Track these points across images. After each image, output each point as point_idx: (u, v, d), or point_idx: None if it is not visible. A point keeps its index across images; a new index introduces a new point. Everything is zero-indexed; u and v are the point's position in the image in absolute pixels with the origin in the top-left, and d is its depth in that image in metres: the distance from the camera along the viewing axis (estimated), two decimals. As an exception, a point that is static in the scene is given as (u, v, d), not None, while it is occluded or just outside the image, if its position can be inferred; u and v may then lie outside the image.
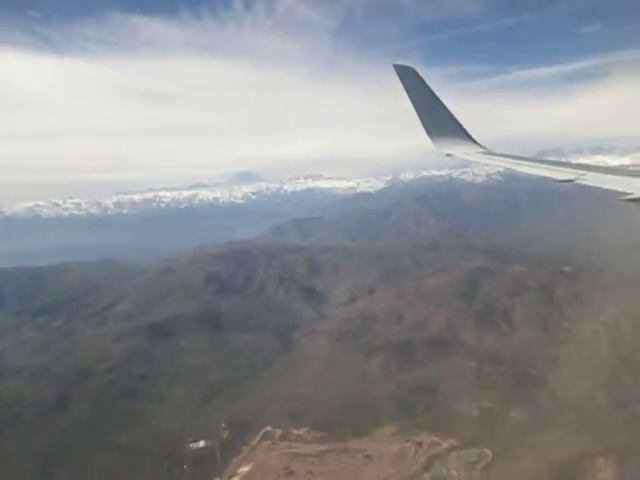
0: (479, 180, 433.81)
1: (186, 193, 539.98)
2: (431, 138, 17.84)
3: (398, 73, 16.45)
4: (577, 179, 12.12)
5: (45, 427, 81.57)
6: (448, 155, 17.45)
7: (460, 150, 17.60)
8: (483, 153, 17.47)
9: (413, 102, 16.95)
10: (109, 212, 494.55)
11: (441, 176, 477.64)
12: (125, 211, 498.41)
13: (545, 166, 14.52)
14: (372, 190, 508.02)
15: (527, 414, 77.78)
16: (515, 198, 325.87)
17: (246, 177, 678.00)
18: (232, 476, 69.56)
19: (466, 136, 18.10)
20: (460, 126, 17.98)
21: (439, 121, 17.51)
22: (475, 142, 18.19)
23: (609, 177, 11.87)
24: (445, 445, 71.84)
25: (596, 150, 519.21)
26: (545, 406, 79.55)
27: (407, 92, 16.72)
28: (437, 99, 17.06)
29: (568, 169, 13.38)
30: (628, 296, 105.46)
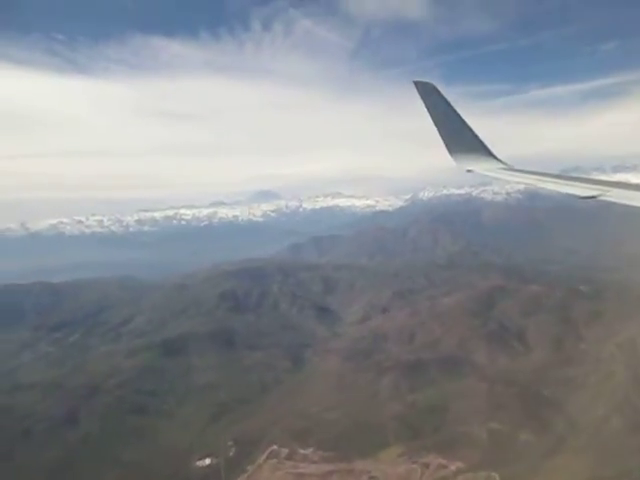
0: (499, 198, 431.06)
1: (206, 211, 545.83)
2: (452, 154, 17.78)
3: (418, 89, 16.54)
4: (600, 195, 11.88)
5: (54, 442, 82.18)
6: (469, 171, 17.33)
7: (481, 166, 17.49)
8: (504, 169, 17.31)
9: (433, 118, 17.00)
10: (130, 229, 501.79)
11: (460, 195, 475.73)
12: (146, 228, 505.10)
13: (567, 182, 14.29)
14: (391, 208, 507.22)
15: (538, 437, 75.81)
16: (536, 216, 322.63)
17: (266, 195, 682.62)
18: (235, 495, 69.09)
19: (487, 152, 17.99)
20: (481, 142, 17.89)
21: (460, 137, 17.46)
22: (496, 158, 18.04)
23: (633, 193, 11.68)
24: (452, 468, 70.39)
25: (618, 168, 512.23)
26: (557, 429, 77.51)
27: (427, 109, 16.79)
28: (458, 115, 17.08)
29: (591, 185, 13.09)
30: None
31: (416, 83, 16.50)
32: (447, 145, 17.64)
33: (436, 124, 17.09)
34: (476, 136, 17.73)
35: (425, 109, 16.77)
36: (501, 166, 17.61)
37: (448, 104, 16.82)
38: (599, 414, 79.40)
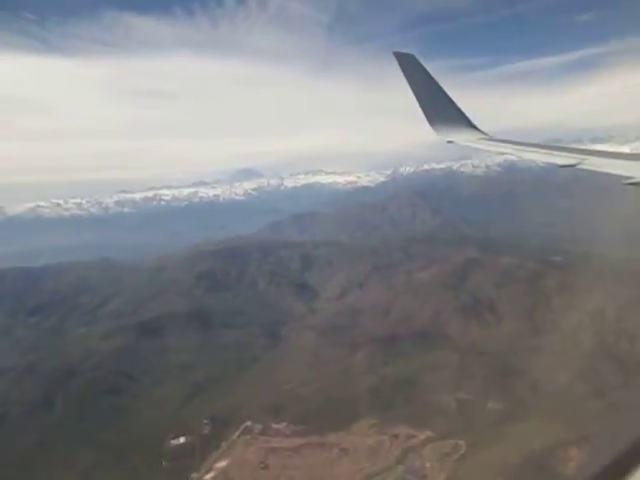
0: (478, 172, 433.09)
1: (186, 191, 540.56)
2: (432, 125, 17.65)
3: (398, 60, 16.40)
4: (579, 164, 12.10)
5: (28, 425, 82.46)
6: (450, 142, 17.24)
7: (462, 137, 17.46)
8: (485, 140, 17.32)
9: (414, 90, 16.86)
10: (110, 211, 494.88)
11: (441, 169, 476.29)
12: (126, 210, 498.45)
13: (547, 151, 14.42)
14: (372, 184, 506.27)
15: (505, 405, 77.92)
16: (514, 189, 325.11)
17: (247, 174, 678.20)
18: (209, 471, 70.12)
19: (468, 123, 17.99)
20: (461, 113, 17.86)
21: (440, 108, 17.37)
22: (477, 129, 18.05)
23: (612, 161, 11.86)
24: (421, 437, 72.06)
25: (596, 140, 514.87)
26: (523, 397, 79.62)
27: (407, 80, 16.64)
28: (438, 86, 17.00)
29: (570, 154, 13.30)
30: (615, 285, 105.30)
31: (396, 54, 16.39)
32: (428, 116, 17.56)
33: (416, 95, 17.01)
34: (457, 107, 17.74)
35: (405, 82, 16.68)
36: (481, 136, 17.65)
37: (428, 75, 16.78)
38: (564, 381, 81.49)
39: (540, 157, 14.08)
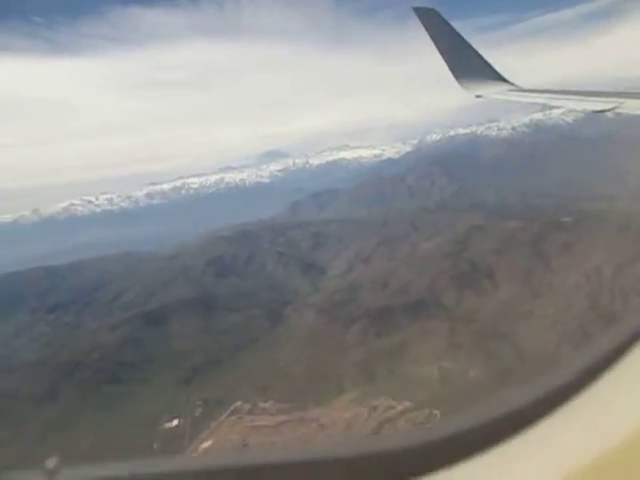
0: (504, 134, 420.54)
1: (213, 177, 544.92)
2: (459, 81, 17.14)
3: (419, 16, 16.08)
4: (616, 108, 11.45)
5: (34, 416, 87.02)
6: (478, 97, 16.64)
7: (490, 90, 16.79)
8: (515, 91, 16.63)
9: (437, 45, 16.55)
10: (140, 204, 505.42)
11: (465, 134, 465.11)
12: (155, 202, 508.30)
13: (581, 97, 13.65)
14: (397, 155, 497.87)
15: (486, 372, 77.39)
16: (539, 150, 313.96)
17: (273, 155, 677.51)
18: (193, 451, 72.63)
19: (496, 75, 17.37)
20: (489, 65, 17.34)
21: (466, 62, 16.96)
22: (505, 80, 17.37)
23: None
24: (399, 408, 72.55)
25: (629, 89, 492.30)
26: (506, 363, 78.88)
27: (430, 36, 16.31)
28: (462, 39, 16.73)
29: (606, 99, 12.46)
30: (620, 244, 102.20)
31: (416, 9, 15.98)
32: (454, 72, 17.09)
33: (441, 51, 16.68)
34: (483, 59, 17.27)
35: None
36: (511, 88, 16.91)
37: (452, 29, 16.48)
38: (550, 344, 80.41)
39: (574, 104, 13.48)
